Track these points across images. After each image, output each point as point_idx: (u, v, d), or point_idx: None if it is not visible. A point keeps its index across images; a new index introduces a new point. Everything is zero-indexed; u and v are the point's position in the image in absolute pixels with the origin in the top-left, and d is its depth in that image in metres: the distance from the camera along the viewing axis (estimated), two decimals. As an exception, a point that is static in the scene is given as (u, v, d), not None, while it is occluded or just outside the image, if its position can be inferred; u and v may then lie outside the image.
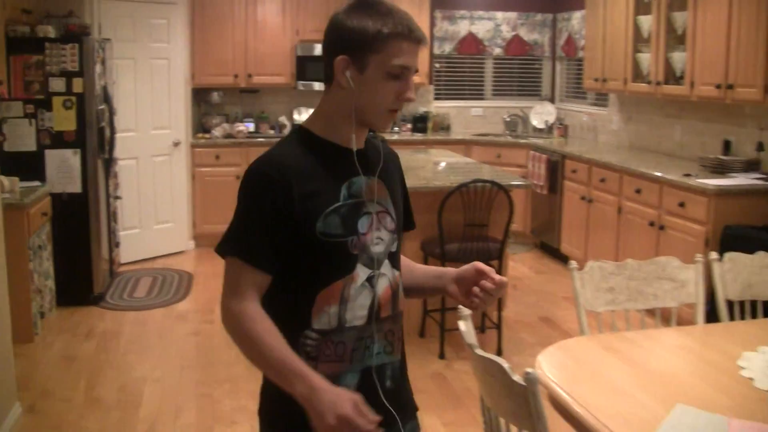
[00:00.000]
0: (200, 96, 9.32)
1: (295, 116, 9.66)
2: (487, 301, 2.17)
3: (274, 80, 9.36)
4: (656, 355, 3.03)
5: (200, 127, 9.31)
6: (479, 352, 2.38)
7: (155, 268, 8.20)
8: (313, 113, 2.16)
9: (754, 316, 3.65)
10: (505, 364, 2.23)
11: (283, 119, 9.52)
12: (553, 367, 2.79)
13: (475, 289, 2.17)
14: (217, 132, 9.08)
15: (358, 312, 2.09)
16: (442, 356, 5.79)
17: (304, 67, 9.32)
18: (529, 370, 2.16)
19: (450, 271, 2.30)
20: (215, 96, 9.34)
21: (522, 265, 8.48)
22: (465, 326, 2.53)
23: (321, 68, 7.89)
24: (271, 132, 9.43)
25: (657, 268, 3.51)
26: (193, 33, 8.95)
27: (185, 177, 8.85)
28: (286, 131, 9.41)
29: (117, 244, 7.82)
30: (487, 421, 2.51)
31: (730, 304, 3.61)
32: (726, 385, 2.66)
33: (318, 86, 9.38)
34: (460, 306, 2.41)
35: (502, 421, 2.37)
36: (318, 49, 9.25)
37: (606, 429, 2.30)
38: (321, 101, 2.15)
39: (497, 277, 2.17)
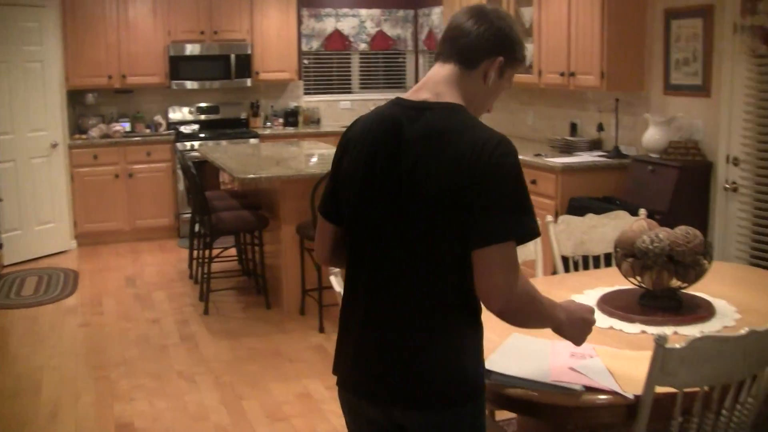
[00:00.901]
0: (75, 97, 9.50)
1: (170, 115, 9.97)
2: None
3: (148, 80, 9.62)
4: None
5: (77, 128, 9.52)
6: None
7: (40, 268, 8.41)
8: (456, 94, 2.26)
9: (586, 268, 4.24)
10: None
11: (158, 118, 9.82)
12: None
13: None
14: (93, 132, 9.31)
15: None
16: (321, 330, 6.27)
17: (178, 66, 9.62)
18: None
19: None
20: (90, 97, 9.55)
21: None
22: (335, 280, 3.00)
23: (193, 68, 8.36)
24: (147, 131, 9.70)
25: (500, 230, 4.05)
26: (66, 35, 9.12)
27: (64, 177, 9.07)
28: (163, 130, 9.72)
29: (0, 246, 8.01)
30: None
31: (565, 259, 4.19)
32: (555, 321, 3.20)
33: (190, 85, 9.72)
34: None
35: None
36: (189, 49, 9.60)
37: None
38: (458, 85, 2.28)
39: None
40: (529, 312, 2.23)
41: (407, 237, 2.19)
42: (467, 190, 2.09)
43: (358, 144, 2.30)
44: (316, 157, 7.63)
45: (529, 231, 2.14)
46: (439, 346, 2.20)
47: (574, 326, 2.42)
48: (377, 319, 2.26)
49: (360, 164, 2.27)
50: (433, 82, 2.29)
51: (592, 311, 2.47)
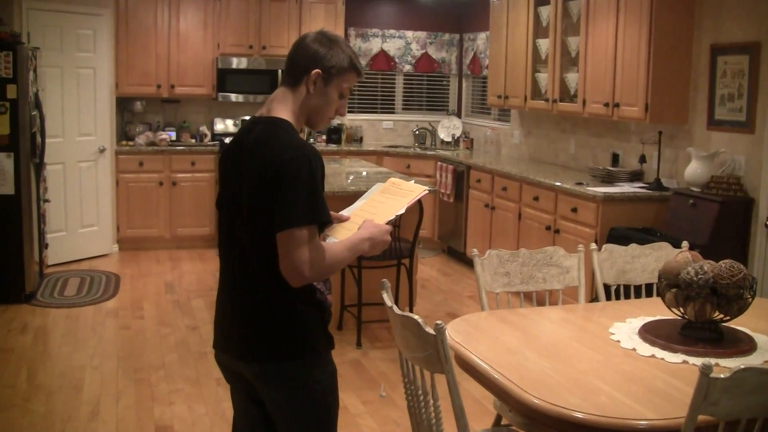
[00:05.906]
0: (123, 105, 9.69)
1: (216, 126, 10.12)
2: None
3: (195, 91, 9.79)
4: (542, 325, 3.64)
5: (123, 134, 9.69)
6: (398, 310, 2.94)
7: (82, 270, 8.56)
8: (286, 109, 2.75)
9: (627, 297, 4.29)
10: (419, 319, 2.79)
11: (203, 128, 9.96)
12: (459, 334, 3.37)
13: None
14: (140, 140, 9.48)
15: None
16: (359, 345, 6.34)
17: (224, 79, 9.78)
18: (438, 321, 2.72)
19: None
20: (138, 105, 9.73)
21: (430, 269, 9.09)
22: (386, 294, 3.08)
23: (240, 81, 8.63)
24: (192, 141, 9.86)
25: (545, 256, 4.13)
26: (118, 44, 9.32)
27: (110, 182, 9.23)
28: (207, 140, 9.87)
29: (46, 246, 8.15)
30: (405, 371, 3.06)
31: (607, 287, 4.25)
32: (598, 345, 3.27)
33: (236, 98, 9.88)
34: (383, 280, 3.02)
35: (416, 368, 2.92)
36: (236, 63, 9.75)
37: (499, 375, 2.88)
38: (286, 101, 2.77)
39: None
40: (327, 274, 2.69)
41: (242, 224, 2.70)
42: (269, 187, 2.58)
43: (223, 152, 2.89)
44: (359, 174, 7.72)
45: (311, 219, 2.57)
46: (266, 309, 2.71)
47: (375, 248, 2.78)
48: (226, 288, 2.84)
49: (222, 167, 2.88)
50: (269, 100, 2.81)
51: (387, 231, 2.81)
